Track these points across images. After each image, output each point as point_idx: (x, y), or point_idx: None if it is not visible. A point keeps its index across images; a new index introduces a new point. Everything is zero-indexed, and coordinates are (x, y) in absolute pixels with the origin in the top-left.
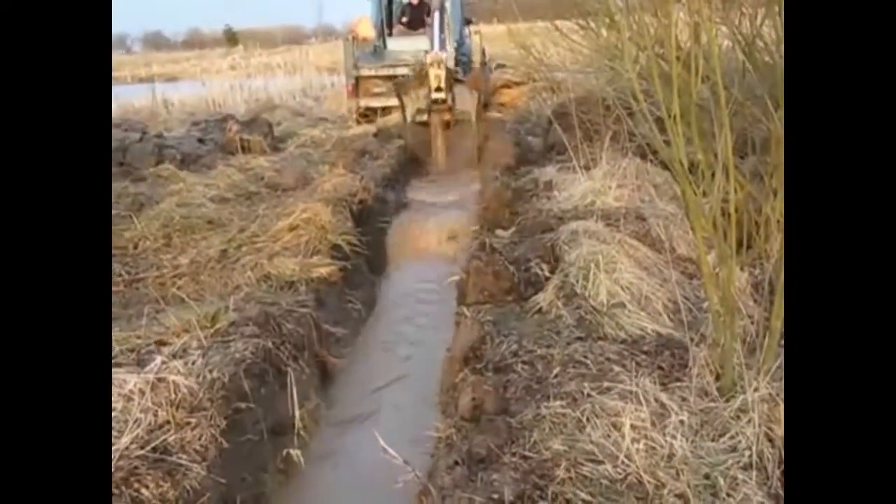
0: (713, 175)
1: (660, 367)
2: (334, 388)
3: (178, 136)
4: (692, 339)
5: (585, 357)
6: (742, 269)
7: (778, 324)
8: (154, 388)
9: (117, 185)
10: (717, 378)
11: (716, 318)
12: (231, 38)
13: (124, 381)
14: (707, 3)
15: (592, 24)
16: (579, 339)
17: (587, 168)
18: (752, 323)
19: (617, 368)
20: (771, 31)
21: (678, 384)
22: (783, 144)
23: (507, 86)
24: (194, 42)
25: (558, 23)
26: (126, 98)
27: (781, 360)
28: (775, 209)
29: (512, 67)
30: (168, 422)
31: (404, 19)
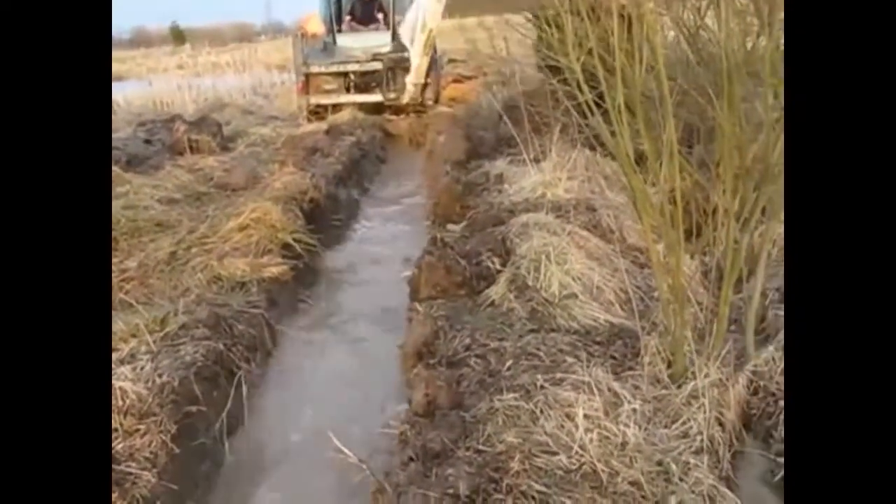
0: (661, 165)
1: (612, 357)
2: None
3: (124, 137)
4: (643, 328)
5: (538, 349)
6: (691, 257)
7: (726, 310)
8: None
9: None
10: (669, 365)
11: (666, 306)
12: (178, 36)
13: None
14: None
15: (538, 17)
16: (532, 331)
17: (537, 161)
18: (702, 310)
19: (570, 359)
20: (713, 22)
21: (630, 373)
22: (725, 134)
23: (458, 80)
24: (140, 40)
25: (507, 16)
26: None
27: (730, 345)
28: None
29: (462, 62)
30: (116, 430)
31: (352, 15)
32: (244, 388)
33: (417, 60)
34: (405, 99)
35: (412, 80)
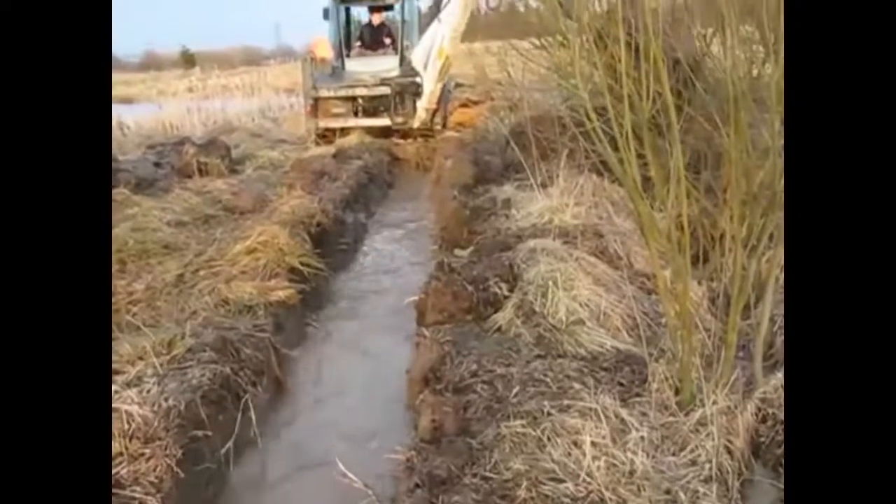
0: (668, 191)
1: (619, 383)
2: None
3: (133, 159)
4: (651, 354)
5: (545, 375)
6: (699, 283)
7: (734, 337)
8: None
9: None
10: (677, 392)
11: (673, 332)
12: (188, 60)
13: None
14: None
15: (546, 43)
16: (539, 357)
17: (544, 186)
18: (710, 336)
19: (577, 386)
20: (720, 49)
21: (638, 399)
22: (732, 161)
23: (465, 105)
24: (150, 63)
25: (514, 41)
26: None
27: (738, 372)
28: (730, 223)
29: (470, 86)
30: (121, 454)
31: (363, 41)
32: (252, 412)
33: (431, 86)
34: (416, 123)
35: (424, 104)
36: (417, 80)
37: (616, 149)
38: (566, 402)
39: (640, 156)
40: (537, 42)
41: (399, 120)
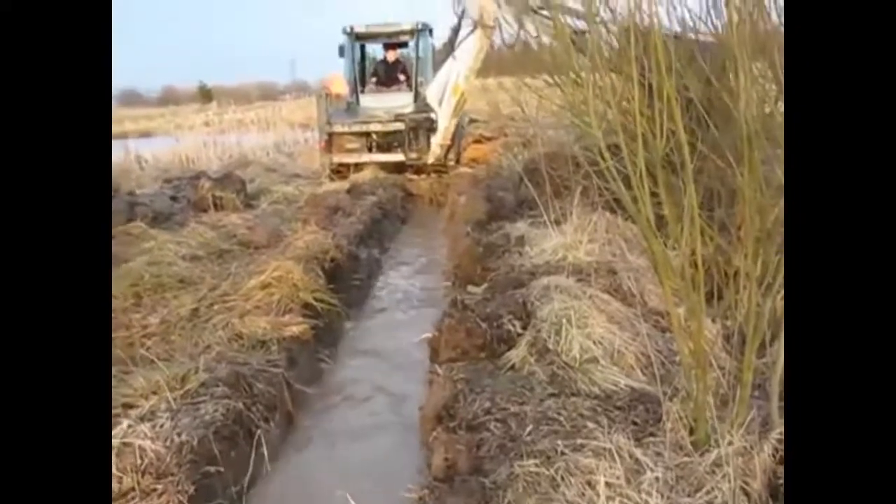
0: (681, 229)
1: (633, 423)
2: None
3: (150, 193)
4: (665, 393)
5: (559, 414)
6: (713, 321)
7: (749, 375)
8: (119, 454)
9: None
10: (691, 432)
11: (688, 371)
12: (205, 95)
13: None
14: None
15: (559, 80)
16: (552, 395)
17: (558, 223)
18: (725, 375)
19: (591, 425)
20: (734, 85)
21: (652, 439)
22: (746, 199)
23: (479, 141)
24: (168, 98)
25: (527, 79)
26: None
27: (754, 411)
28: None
29: (484, 122)
30: (133, 489)
31: (378, 77)
32: (264, 448)
33: (446, 122)
34: (430, 159)
35: (439, 140)
36: (432, 116)
37: (629, 187)
38: (580, 441)
39: (653, 194)
40: (550, 80)
41: (413, 156)
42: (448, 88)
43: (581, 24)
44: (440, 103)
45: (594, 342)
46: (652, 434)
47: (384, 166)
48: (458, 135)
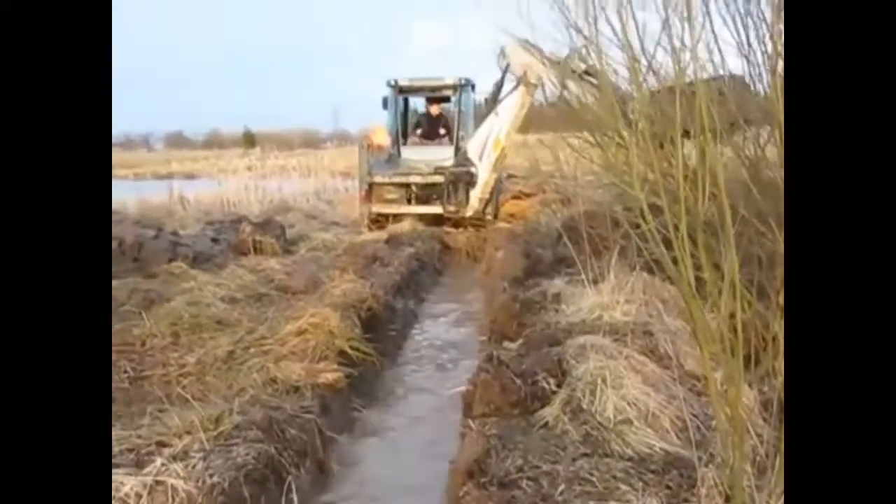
0: (720, 292)
1: (667, 487)
2: None
3: (193, 234)
4: (700, 459)
5: (591, 474)
6: (750, 386)
7: None
8: (151, 492)
9: (130, 281)
10: (727, 500)
11: (724, 437)
12: (249, 140)
13: (121, 483)
14: (711, 132)
15: (601, 140)
16: (585, 455)
17: (595, 282)
18: (762, 442)
19: (623, 487)
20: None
21: None
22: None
23: (517, 196)
24: (214, 142)
25: (567, 138)
26: (146, 194)
27: None
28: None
29: (523, 178)
30: None
31: (420, 130)
32: (294, 494)
33: (486, 176)
34: (468, 212)
35: (478, 194)
36: (472, 170)
37: (669, 248)
38: (612, 503)
39: (692, 256)
40: (592, 139)
41: (452, 209)
42: (489, 143)
43: (624, 85)
44: (481, 158)
45: (629, 403)
46: (686, 500)
47: (422, 218)
48: (496, 190)
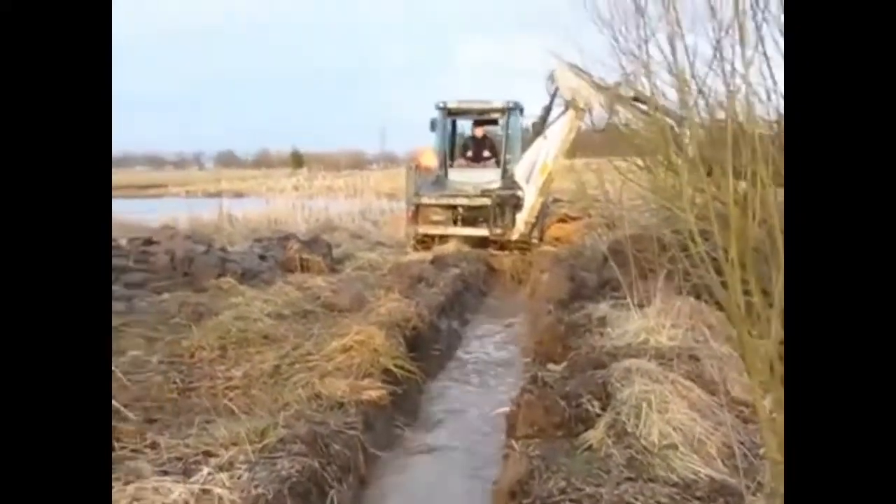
0: (768, 319)
1: None
2: None
3: (241, 250)
4: (748, 487)
5: (636, 498)
6: None
7: None
8: (198, 500)
9: (180, 294)
10: None
11: (773, 465)
12: (297, 160)
13: (169, 489)
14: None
15: (650, 164)
16: (629, 479)
17: (641, 306)
18: None
19: None
20: None
21: None
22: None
23: (563, 220)
24: (262, 161)
25: (615, 161)
26: (197, 211)
27: None
28: None
29: (568, 202)
30: None
31: (469, 153)
32: None
33: (532, 200)
34: (514, 235)
35: (525, 217)
36: (518, 193)
37: (718, 272)
38: None
39: (741, 281)
40: (641, 163)
41: (498, 231)
42: (536, 167)
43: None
44: (528, 181)
45: (674, 428)
46: None
47: (468, 240)
48: (542, 213)
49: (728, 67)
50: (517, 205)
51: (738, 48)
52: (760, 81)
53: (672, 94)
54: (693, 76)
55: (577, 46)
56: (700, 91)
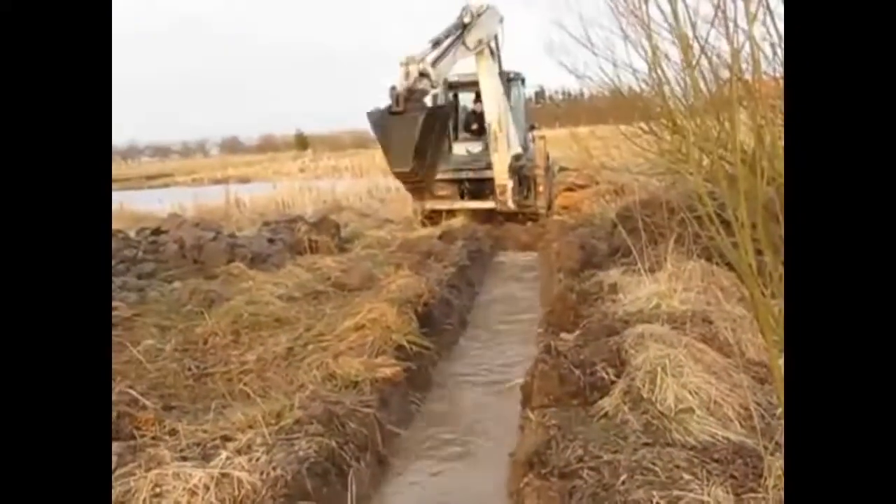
0: (781, 276)
1: (732, 476)
2: None
3: (250, 235)
4: (766, 448)
5: (654, 464)
6: None
7: None
8: (218, 484)
9: (191, 282)
10: None
11: None
12: (301, 142)
13: (190, 475)
14: (771, 108)
15: (655, 128)
16: (646, 444)
17: (652, 271)
18: None
19: (687, 476)
20: None
21: (753, 495)
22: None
23: (570, 189)
24: (267, 146)
25: (621, 127)
26: (203, 198)
27: None
28: None
29: (575, 170)
30: None
31: (474, 126)
32: (354, 487)
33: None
34: (511, 205)
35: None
36: (523, 163)
37: (729, 233)
38: (676, 492)
39: (752, 240)
40: (646, 127)
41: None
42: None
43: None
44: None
45: (690, 392)
46: (752, 490)
47: (475, 213)
48: (548, 182)
49: (731, 26)
50: (524, 176)
51: (740, 2)
52: (766, 36)
53: (675, 55)
54: (695, 36)
55: (576, 12)
56: (702, 50)
